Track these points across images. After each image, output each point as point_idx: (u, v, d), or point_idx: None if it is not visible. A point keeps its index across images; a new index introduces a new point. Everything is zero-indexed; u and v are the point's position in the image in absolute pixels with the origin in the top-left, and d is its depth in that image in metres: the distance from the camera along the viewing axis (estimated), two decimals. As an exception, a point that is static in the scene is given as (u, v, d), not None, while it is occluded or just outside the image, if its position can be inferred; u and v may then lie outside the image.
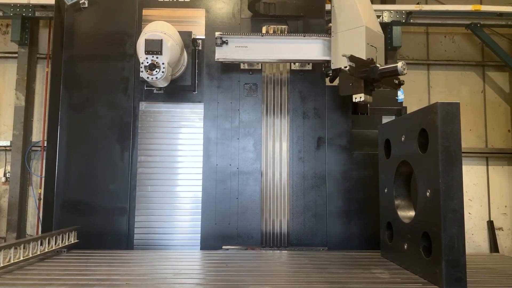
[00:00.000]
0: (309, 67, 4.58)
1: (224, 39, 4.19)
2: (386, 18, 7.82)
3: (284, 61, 4.43)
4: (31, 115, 7.56)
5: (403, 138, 3.06)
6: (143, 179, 4.43)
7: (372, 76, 3.66)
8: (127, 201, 4.38)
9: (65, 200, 4.38)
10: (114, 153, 4.44)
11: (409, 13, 7.72)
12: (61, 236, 3.53)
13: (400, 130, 3.12)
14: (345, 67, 3.62)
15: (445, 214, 2.44)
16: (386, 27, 8.00)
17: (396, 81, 3.88)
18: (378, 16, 7.84)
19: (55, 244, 3.45)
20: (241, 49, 4.16)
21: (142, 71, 3.75)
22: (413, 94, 8.25)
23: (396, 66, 3.60)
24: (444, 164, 2.47)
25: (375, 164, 4.43)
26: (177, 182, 4.45)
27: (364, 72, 3.70)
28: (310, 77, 4.59)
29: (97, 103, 4.50)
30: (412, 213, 3.08)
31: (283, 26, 4.61)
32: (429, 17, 7.77)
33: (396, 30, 7.78)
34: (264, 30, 4.52)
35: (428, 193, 2.62)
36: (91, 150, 4.44)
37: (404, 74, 3.65)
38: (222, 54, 4.21)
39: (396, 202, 3.23)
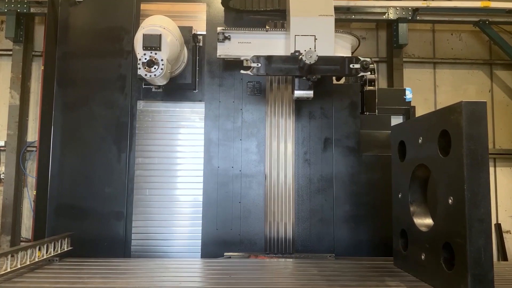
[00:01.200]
0: (315, 64, 4.34)
1: (226, 35, 3.96)
2: (392, 15, 7.61)
3: (290, 58, 4.20)
4: (26, 114, 7.35)
5: (420, 140, 2.84)
6: (141, 182, 4.21)
7: (303, 69, 3.44)
8: (124, 205, 4.16)
9: (59, 204, 4.16)
10: (111, 154, 4.22)
11: (415, 10, 7.50)
12: (53, 244, 3.31)
13: (417, 131, 2.91)
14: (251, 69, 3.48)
15: (471, 224, 2.22)
16: (391, 24, 7.79)
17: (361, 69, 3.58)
18: (383, 13, 7.64)
19: (47, 252, 3.23)
20: (245, 45, 3.94)
21: (139, 68, 3.53)
22: (418, 93, 8.02)
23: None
24: (469, 169, 2.25)
25: (385, 167, 4.23)
26: (176, 185, 4.24)
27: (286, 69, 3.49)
28: (316, 75, 4.36)
29: (92, 102, 4.28)
30: (429, 221, 2.87)
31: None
32: (436, 14, 7.56)
33: (402, 27, 7.57)
34: (268, 25, 4.29)
35: (450, 200, 2.41)
36: (86, 151, 4.22)
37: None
38: (224, 50, 3.99)
39: (412, 208, 3.01)
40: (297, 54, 3.44)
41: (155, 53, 3.51)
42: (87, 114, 4.26)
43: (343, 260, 3.79)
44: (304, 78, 3.61)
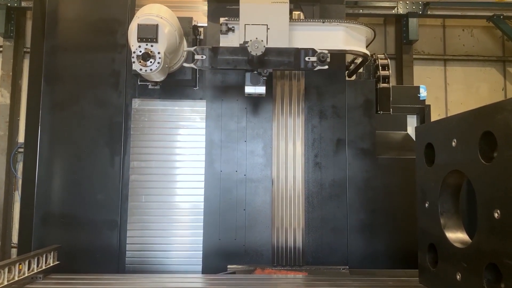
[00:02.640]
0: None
1: (230, 26, 3.59)
2: (402, 9, 7.27)
3: (300, 52, 3.83)
4: (17, 114, 7.00)
5: (454, 143, 2.48)
6: (136, 188, 3.85)
7: (252, 61, 3.13)
8: (118, 213, 3.80)
9: (46, 213, 3.80)
10: (103, 157, 3.86)
11: (426, 4, 7.17)
12: (36, 259, 2.95)
13: (450, 133, 2.54)
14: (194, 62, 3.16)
15: (525, 244, 1.86)
16: (400, 19, 7.45)
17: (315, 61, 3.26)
18: (393, 8, 7.29)
19: (29, 269, 2.86)
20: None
21: (134, 62, 3.16)
22: (429, 91, 7.56)
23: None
24: (523, 178, 1.89)
25: (403, 171, 3.91)
26: (175, 191, 3.87)
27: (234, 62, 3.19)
28: (327, 70, 3.97)
29: (83, 100, 3.92)
30: (464, 236, 2.51)
31: (296, 12, 4.02)
32: (448, 8, 7.23)
33: (412, 22, 7.24)
34: (275, 16, 3.92)
35: (496, 214, 2.05)
36: (77, 154, 3.86)
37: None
38: (227, 43, 3.60)
39: (442, 220, 2.65)
40: (246, 45, 3.11)
41: (151, 45, 3.15)
42: (78, 114, 3.90)
43: (361, 276, 3.43)
44: (255, 72, 3.29)
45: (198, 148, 3.92)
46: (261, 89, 3.42)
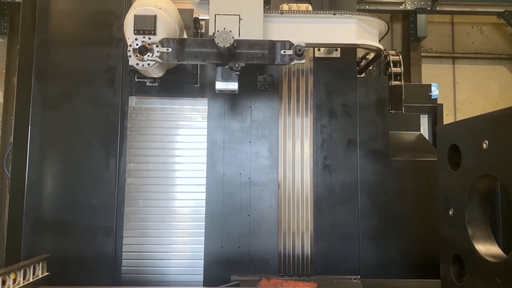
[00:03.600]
0: (336, 53, 3.75)
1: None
2: (409, 5, 7.02)
3: (311, 46, 3.58)
4: (11, 113, 6.71)
5: (485, 145, 2.23)
6: (133, 192, 3.59)
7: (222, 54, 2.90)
8: (114, 219, 3.55)
9: (37, 218, 3.54)
10: (98, 159, 3.60)
11: (435, 0, 6.90)
12: (22, 272, 2.69)
13: (479, 133, 2.30)
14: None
15: None
16: (408, 16, 7.20)
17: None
18: (400, 3, 7.04)
19: (14, 283, 2.61)
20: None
21: (130, 56, 2.92)
22: (437, 90, 7.41)
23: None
24: None
25: (418, 174, 3.67)
26: (175, 196, 3.62)
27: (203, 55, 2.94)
28: (337, 66, 3.76)
29: (76, 99, 3.66)
30: (497, 249, 2.26)
31: (304, 4, 3.77)
32: (457, 4, 6.98)
33: (421, 18, 6.99)
34: (283, 8, 3.68)
35: (540, 226, 1.80)
36: (69, 156, 3.61)
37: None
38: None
39: (470, 230, 2.40)
40: (214, 36, 2.87)
41: (149, 38, 2.90)
42: (71, 113, 3.65)
43: (373, 287, 3.18)
44: (226, 66, 3.04)
45: (199, 150, 3.67)
46: (233, 85, 3.18)
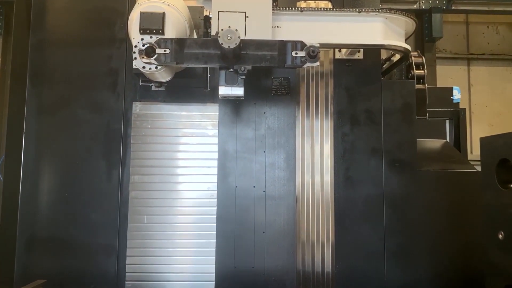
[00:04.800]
0: (359, 55, 3.44)
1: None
2: (424, 4, 6.72)
3: (332, 46, 3.30)
4: (4, 119, 6.40)
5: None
6: (137, 207, 3.29)
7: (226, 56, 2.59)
8: (116, 236, 3.25)
9: (32, 235, 3.24)
10: (98, 171, 3.30)
11: (450, -1, 6.60)
12: (14, 302, 2.38)
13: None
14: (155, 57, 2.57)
15: None
16: (421, 15, 6.90)
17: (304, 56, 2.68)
18: (414, 2, 6.75)
19: (3, 316, 2.30)
20: (272, 30, 3.00)
21: (135, 59, 2.60)
22: (451, 93, 7.12)
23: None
24: None
25: (449, 186, 3.37)
26: (183, 211, 3.31)
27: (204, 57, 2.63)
28: (360, 68, 3.46)
29: (75, 104, 3.36)
30: None
31: (323, 2, 3.46)
32: (474, 3, 6.68)
33: (436, 18, 6.70)
34: (301, 5, 3.37)
35: None
36: (67, 167, 3.30)
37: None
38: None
39: (528, 258, 2.10)
40: (217, 36, 2.56)
41: (157, 37, 2.59)
42: (68, 119, 3.34)
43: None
44: (231, 70, 2.72)
45: (210, 160, 3.36)
46: (238, 91, 2.84)
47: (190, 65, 2.62)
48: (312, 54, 2.61)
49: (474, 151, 6.80)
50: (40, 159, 3.31)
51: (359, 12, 3.05)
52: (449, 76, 7.26)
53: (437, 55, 7.17)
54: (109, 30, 3.43)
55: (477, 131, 7.09)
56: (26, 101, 3.36)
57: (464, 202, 3.37)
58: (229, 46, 2.44)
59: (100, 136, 3.34)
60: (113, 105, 3.37)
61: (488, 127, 7.20)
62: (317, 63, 2.65)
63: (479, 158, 6.49)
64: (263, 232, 3.30)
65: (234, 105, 3.41)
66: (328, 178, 3.36)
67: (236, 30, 2.47)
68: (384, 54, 3.79)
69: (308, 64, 2.64)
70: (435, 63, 6.85)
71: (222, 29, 2.48)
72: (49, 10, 3.45)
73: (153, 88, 3.37)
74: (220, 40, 2.45)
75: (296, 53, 2.64)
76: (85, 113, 3.35)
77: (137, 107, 3.38)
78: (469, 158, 4.86)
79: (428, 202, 3.38)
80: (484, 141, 2.54)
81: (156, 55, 2.54)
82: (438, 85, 6.80)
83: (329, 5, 3.46)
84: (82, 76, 3.39)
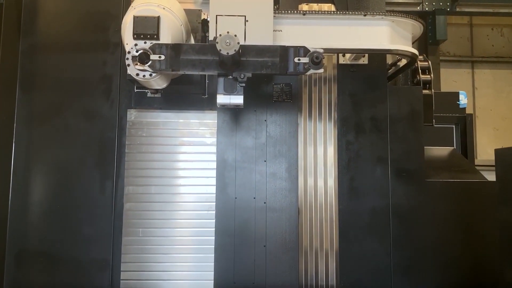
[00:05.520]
0: (364, 60, 3.30)
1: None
2: (428, 6, 6.57)
3: (336, 51, 3.16)
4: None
5: None
6: (132, 219, 3.14)
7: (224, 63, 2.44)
8: (110, 251, 3.10)
9: (22, 250, 3.09)
10: (92, 182, 3.16)
11: (454, 0, 6.47)
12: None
13: None
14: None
15: None
16: (425, 17, 6.74)
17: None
18: (418, 4, 6.61)
19: None
20: (273, 34, 2.85)
21: (129, 65, 2.46)
22: (455, 96, 6.98)
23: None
24: None
25: (458, 197, 3.23)
26: (180, 224, 3.17)
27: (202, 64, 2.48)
28: (365, 74, 3.32)
29: (67, 111, 3.21)
30: None
31: (326, 4, 3.32)
32: (478, 5, 6.53)
33: (440, 20, 6.55)
34: (303, 8, 3.23)
35: None
36: (59, 178, 3.16)
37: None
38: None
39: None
40: (216, 41, 2.41)
41: (151, 43, 2.44)
42: (60, 128, 3.20)
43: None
44: (230, 77, 2.57)
45: (208, 170, 3.22)
46: (237, 99, 2.70)
47: (187, 72, 2.48)
48: (316, 60, 2.46)
49: (479, 156, 6.67)
50: (30, 169, 3.17)
51: (365, 15, 2.91)
52: (453, 79, 7.13)
53: (440, 58, 7.02)
54: (102, 34, 3.28)
55: (482, 135, 6.96)
56: (16, 109, 3.22)
57: (474, 213, 3.22)
58: (227, 53, 2.30)
59: (93, 145, 3.19)
60: (107, 113, 3.22)
61: (493, 131, 7.06)
62: (321, 70, 2.51)
63: (484, 163, 6.35)
64: (264, 246, 3.16)
65: (233, 113, 3.26)
66: (332, 189, 3.21)
67: (235, 35, 2.32)
68: (390, 59, 3.65)
69: (311, 71, 2.50)
70: (439, 66, 6.71)
71: (220, 35, 2.33)
72: (40, 13, 3.31)
73: (149, 94, 3.23)
74: (218, 46, 2.31)
75: (299, 59, 2.50)
76: (77, 121, 3.21)
77: (132, 114, 3.24)
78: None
79: (437, 214, 3.23)
80: (499, 153, 2.39)
81: (150, 62, 2.39)
82: (442, 89, 6.67)
83: (333, 7, 3.33)
84: (75, 82, 3.24)
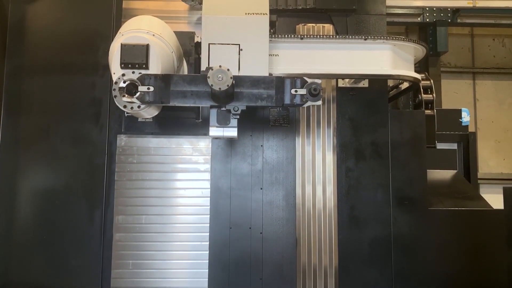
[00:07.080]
0: (364, 83, 3.16)
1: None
2: (428, 17, 6.44)
3: (335, 77, 3.03)
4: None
5: None
6: (121, 251, 3.00)
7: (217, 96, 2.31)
8: (98, 284, 2.96)
9: (5, 282, 2.94)
10: (79, 211, 3.02)
11: (456, 11, 6.33)
12: None
13: None
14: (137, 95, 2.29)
15: None
16: (425, 28, 6.62)
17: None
18: (418, 15, 6.47)
19: None
20: (269, 58, 2.71)
21: (115, 96, 2.31)
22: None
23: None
24: None
25: (463, 226, 3.09)
26: (171, 256, 3.02)
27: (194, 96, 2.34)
28: (365, 97, 3.18)
29: (54, 136, 3.08)
30: None
31: (325, 25, 3.19)
32: (480, 16, 6.39)
33: (441, 31, 6.40)
34: (300, 30, 3.10)
35: None
36: (45, 206, 3.03)
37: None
38: (240, 65, 2.77)
39: None
40: (207, 76, 2.27)
41: (140, 73, 2.30)
42: (47, 153, 3.07)
43: None
44: (223, 108, 2.43)
45: (201, 198, 3.08)
46: (231, 132, 2.56)
47: (177, 105, 2.33)
48: (314, 92, 2.33)
49: (480, 169, 6.54)
50: (15, 196, 3.03)
51: (365, 39, 2.77)
52: (454, 91, 7.00)
53: (441, 69, 6.89)
54: (92, 55, 3.15)
55: (483, 148, 6.83)
56: (0, 133, 3.07)
57: (479, 243, 3.09)
58: (219, 88, 2.16)
59: (81, 172, 3.05)
60: (95, 138, 3.08)
61: (494, 144, 6.94)
62: (320, 102, 2.37)
63: (486, 177, 6.21)
64: (260, 279, 3.02)
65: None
66: (332, 218, 3.07)
67: (228, 69, 2.18)
68: (391, 82, 3.52)
69: (309, 103, 2.36)
70: (440, 77, 6.57)
71: (211, 68, 2.19)
72: (26, 33, 3.17)
73: (140, 119, 3.08)
74: (210, 82, 2.16)
75: (296, 91, 2.36)
76: (65, 146, 3.07)
77: (122, 140, 3.10)
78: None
79: (440, 244, 3.09)
80: (508, 192, 2.26)
81: (138, 93, 2.25)
82: (443, 100, 6.54)
83: (331, 29, 3.20)
84: (62, 105, 3.12)
